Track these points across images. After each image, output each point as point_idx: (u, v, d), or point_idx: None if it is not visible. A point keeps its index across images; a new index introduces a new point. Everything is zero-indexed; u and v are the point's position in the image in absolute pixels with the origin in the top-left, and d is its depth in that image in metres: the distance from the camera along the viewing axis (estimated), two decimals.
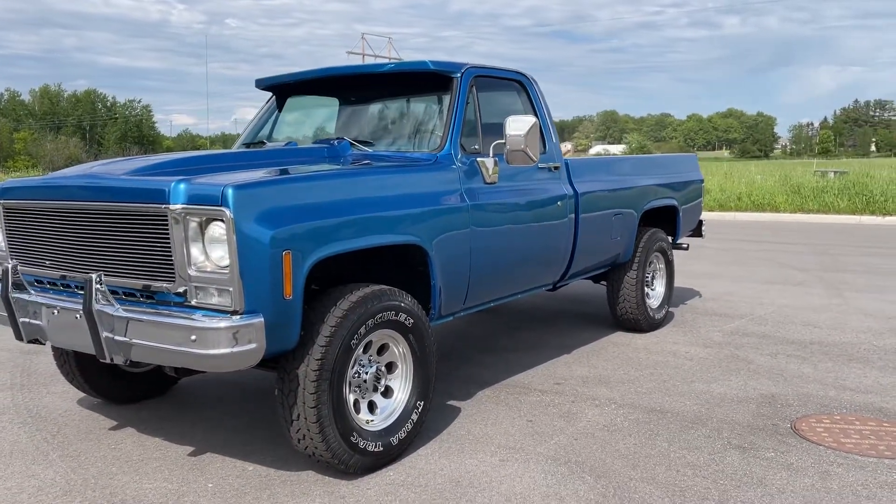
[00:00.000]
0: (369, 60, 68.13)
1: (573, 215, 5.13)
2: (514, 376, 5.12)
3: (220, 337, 3.00)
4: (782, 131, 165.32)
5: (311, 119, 5.36)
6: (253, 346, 3.07)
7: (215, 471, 3.67)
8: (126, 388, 4.63)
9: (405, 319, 3.69)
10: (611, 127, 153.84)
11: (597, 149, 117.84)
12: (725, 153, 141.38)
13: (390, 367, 3.79)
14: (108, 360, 3.31)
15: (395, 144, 4.50)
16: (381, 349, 3.75)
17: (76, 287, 3.60)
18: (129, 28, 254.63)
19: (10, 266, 3.68)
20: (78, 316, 3.41)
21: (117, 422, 4.36)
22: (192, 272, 3.13)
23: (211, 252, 3.11)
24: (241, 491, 3.44)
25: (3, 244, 4.02)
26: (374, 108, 4.90)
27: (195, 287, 3.14)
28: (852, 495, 3.31)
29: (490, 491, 3.39)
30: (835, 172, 25.04)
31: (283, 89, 5.21)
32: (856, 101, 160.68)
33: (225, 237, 3.05)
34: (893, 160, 65.42)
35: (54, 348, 4.43)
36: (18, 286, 3.71)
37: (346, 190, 3.56)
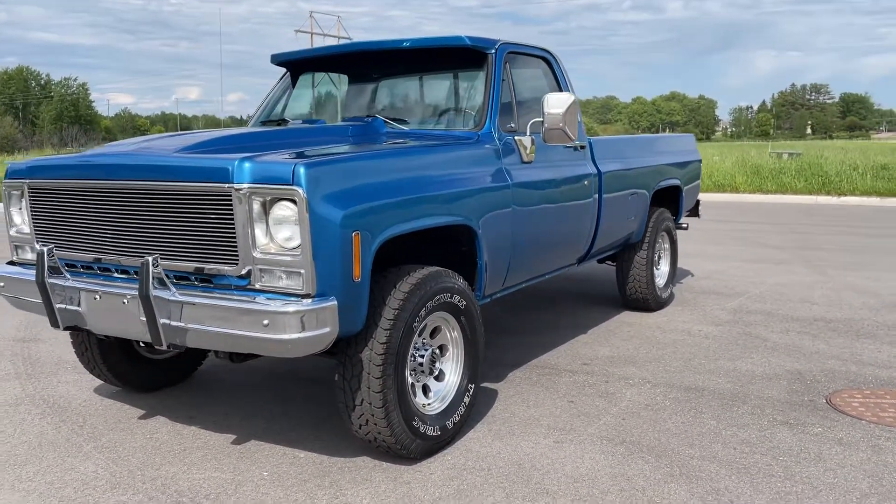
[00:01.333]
0: (319, 39, 66.98)
1: (597, 195, 5.11)
2: (539, 357, 5.09)
3: (294, 321, 2.88)
4: (723, 114, 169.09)
5: (329, 96, 5.19)
6: (326, 329, 2.96)
7: (265, 459, 3.55)
8: (148, 376, 4.45)
9: (458, 301, 3.61)
10: None
11: None
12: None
13: (441, 349, 3.71)
14: (163, 347, 3.16)
15: (430, 122, 4.39)
16: (433, 332, 3.67)
17: (117, 271, 3.43)
18: (61, 2, 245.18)
19: (44, 250, 3.47)
20: (126, 300, 3.25)
21: (144, 411, 4.19)
22: (257, 254, 2.99)
23: (277, 233, 2.98)
24: (301, 479, 3.34)
25: (25, 226, 3.80)
26: (403, 84, 4.78)
27: (260, 270, 3.01)
28: (890, 465, 3.38)
29: (555, 473, 3.36)
30: (789, 154, 25.70)
31: (299, 65, 5.04)
32: (793, 84, 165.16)
33: (293, 217, 2.93)
34: (832, 143, 67.52)
35: (73, 336, 4.23)
36: (54, 270, 3.50)
37: (410, 168, 3.46)
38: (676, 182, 6.52)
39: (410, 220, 3.35)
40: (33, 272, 3.63)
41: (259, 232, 2.99)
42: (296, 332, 2.89)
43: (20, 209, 3.81)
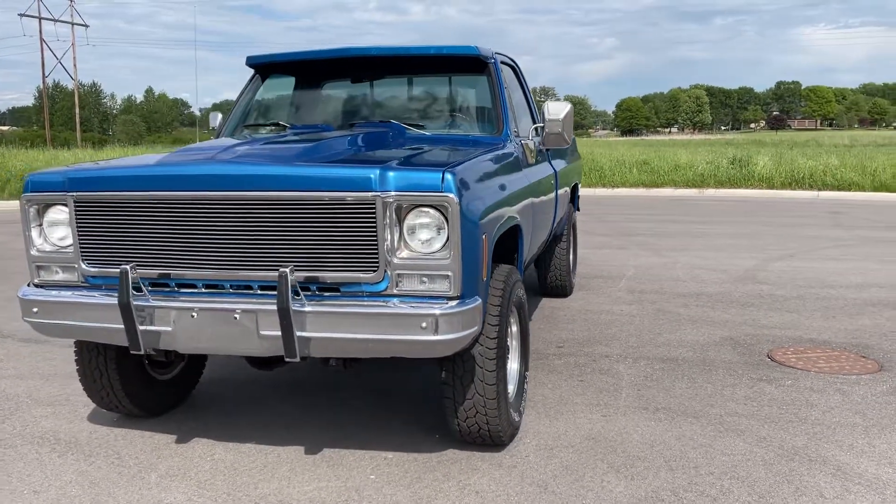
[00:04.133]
0: (49, 26, 60.37)
1: (556, 190, 5.59)
2: None
3: (453, 322, 3.01)
4: None
5: (312, 101, 5.09)
6: (474, 329, 3.11)
7: (355, 464, 3.56)
8: (160, 397, 4.16)
9: (522, 295, 3.88)
10: None
11: None
12: None
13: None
14: (296, 359, 3.09)
15: (438, 127, 4.55)
16: None
17: (205, 287, 3.25)
18: None
19: (127, 268, 3.18)
20: (237, 315, 3.12)
21: (173, 435, 3.92)
22: (396, 260, 3.05)
23: (417, 238, 3.06)
24: (413, 476, 3.42)
25: (57, 244, 3.43)
26: (402, 90, 4.86)
27: (397, 275, 3.07)
28: (859, 403, 4.25)
29: (627, 442, 3.77)
30: None
31: (275, 69, 4.92)
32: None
33: (434, 222, 3.04)
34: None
35: (84, 362, 3.86)
36: (136, 290, 3.22)
37: (499, 172, 3.66)
38: (577, 179, 7.22)
39: (506, 221, 3.58)
40: (86, 293, 3.33)
41: (399, 238, 3.05)
42: (452, 333, 3.02)
43: (51, 225, 3.43)
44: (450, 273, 3.04)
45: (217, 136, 4.81)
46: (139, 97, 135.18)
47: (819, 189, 18.88)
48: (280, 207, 3.09)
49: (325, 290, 3.14)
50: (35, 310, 3.40)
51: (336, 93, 4.98)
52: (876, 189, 18.55)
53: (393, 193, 3.00)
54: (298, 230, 3.09)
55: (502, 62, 5.09)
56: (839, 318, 6.15)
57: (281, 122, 4.63)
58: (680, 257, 9.24)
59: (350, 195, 3.02)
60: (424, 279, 3.07)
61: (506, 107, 4.50)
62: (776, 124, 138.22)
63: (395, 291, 3.09)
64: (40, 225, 3.46)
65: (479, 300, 3.12)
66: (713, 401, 4.31)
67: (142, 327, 3.21)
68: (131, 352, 3.27)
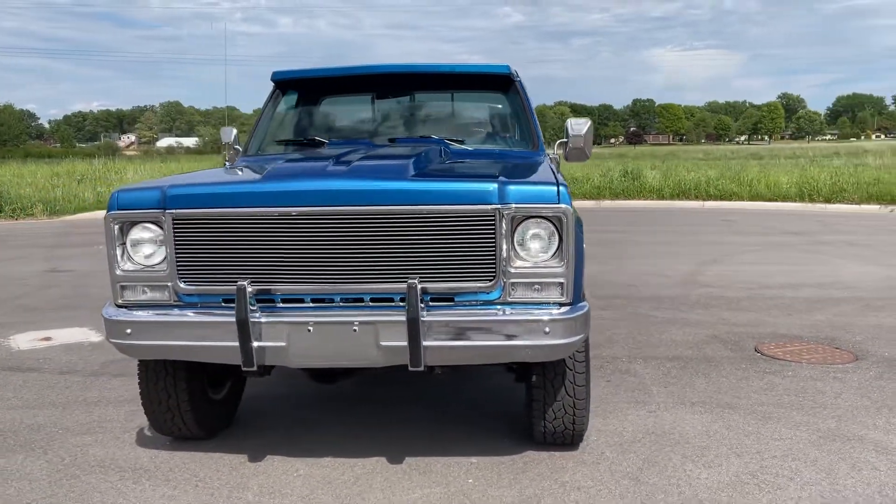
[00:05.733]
0: None
1: None
2: None
3: (573, 326, 3.19)
4: None
5: (344, 116, 5.09)
6: (586, 333, 3.30)
7: (444, 470, 3.63)
8: (218, 417, 4.08)
9: None
10: (176, 119, 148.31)
11: (167, 141, 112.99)
12: None
13: None
14: (421, 369, 3.15)
15: (480, 143, 4.69)
16: None
17: (312, 301, 3.26)
18: None
19: (245, 284, 3.13)
20: (356, 328, 3.16)
21: (244, 454, 3.84)
22: (512, 269, 3.19)
23: (530, 248, 3.22)
24: (512, 478, 3.53)
25: (143, 262, 3.33)
26: (438, 106, 4.96)
27: (512, 284, 3.21)
28: (859, 388, 4.77)
29: (686, 435, 4.04)
30: None
31: (302, 85, 4.91)
32: None
33: (545, 232, 3.21)
34: None
35: (151, 385, 3.74)
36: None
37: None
38: None
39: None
40: (183, 312, 3.26)
41: (515, 248, 3.20)
42: (570, 337, 3.19)
43: (137, 244, 3.32)
44: (563, 280, 3.21)
45: (245, 152, 4.73)
46: None
47: (704, 199, 20.30)
48: (399, 221, 3.15)
49: (440, 300, 3.23)
50: (128, 331, 3.27)
51: (366, 108, 5.02)
52: (753, 198, 20.16)
53: (513, 206, 3.14)
54: (417, 243, 3.16)
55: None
56: (795, 315, 6.77)
57: (318, 139, 4.62)
58: (622, 264, 9.76)
59: (472, 208, 3.13)
60: (538, 287, 3.22)
61: (536, 122, 4.72)
62: (634, 139, 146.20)
63: (508, 299, 3.22)
64: (123, 244, 3.34)
65: (587, 305, 3.31)
66: (737, 393, 4.69)
67: (255, 344, 3.18)
68: (243, 369, 3.21)
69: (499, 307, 3.22)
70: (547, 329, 3.14)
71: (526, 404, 3.78)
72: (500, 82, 4.82)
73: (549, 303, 3.23)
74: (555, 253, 3.22)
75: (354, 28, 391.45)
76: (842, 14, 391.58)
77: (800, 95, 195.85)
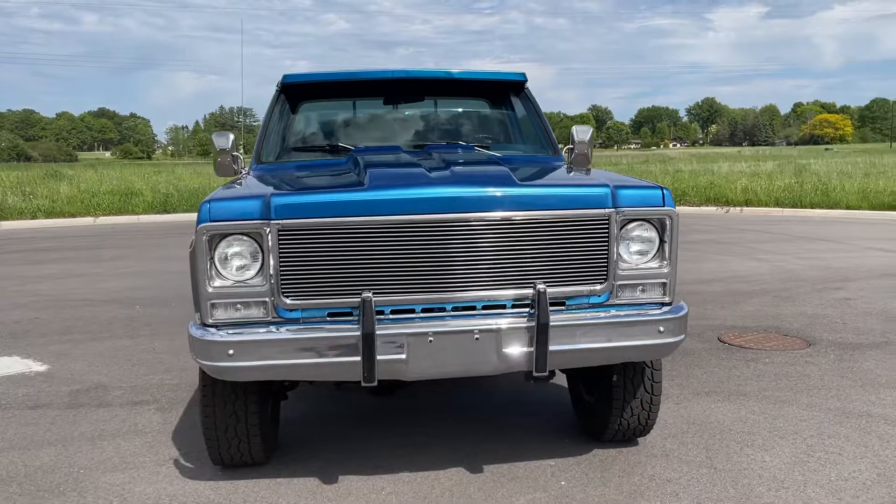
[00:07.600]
0: None
1: None
2: None
3: (680, 325, 3.31)
4: (159, 133, 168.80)
5: (363, 122, 4.87)
6: (686, 332, 3.43)
7: (530, 475, 3.62)
8: (272, 441, 3.81)
9: None
10: None
11: None
12: (106, 154, 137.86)
13: None
14: (543, 373, 3.14)
15: (499, 148, 4.69)
16: None
17: (423, 311, 3.16)
18: None
19: (370, 296, 2.96)
20: (477, 336, 3.11)
21: (315, 477, 3.62)
22: (620, 271, 3.28)
23: (633, 250, 3.31)
24: (601, 477, 3.58)
25: (230, 275, 3.07)
26: (456, 112, 4.90)
27: (619, 285, 3.30)
28: (832, 369, 5.28)
29: (722, 423, 4.29)
30: None
31: (313, 90, 4.68)
32: (221, 106, 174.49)
33: (648, 235, 3.33)
34: None
35: (220, 410, 3.45)
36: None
37: None
38: None
39: None
40: (289, 329, 3.05)
41: (623, 251, 3.28)
42: (679, 335, 3.32)
43: (227, 258, 3.06)
44: (667, 281, 3.33)
45: (257, 159, 4.44)
46: None
47: None
48: (517, 227, 3.14)
49: (553, 304, 3.24)
50: (231, 352, 2.99)
51: (383, 114, 4.87)
52: None
53: (625, 209, 3.22)
54: (535, 248, 3.16)
55: None
56: (729, 308, 7.34)
57: (341, 145, 4.43)
58: None
59: (589, 212, 3.18)
60: (643, 288, 3.32)
61: (550, 128, 4.82)
62: None
63: (615, 301, 3.30)
64: (212, 258, 3.06)
65: (685, 304, 3.45)
66: (737, 381, 5.03)
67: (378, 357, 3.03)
68: (363, 385, 3.04)
69: (607, 309, 3.28)
70: (661, 328, 3.24)
71: (591, 404, 3.90)
72: (516, 89, 4.87)
73: (653, 303, 3.34)
74: (656, 254, 3.33)
75: (170, 29, 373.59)
76: (640, 33, 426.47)
77: (607, 107, 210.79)
